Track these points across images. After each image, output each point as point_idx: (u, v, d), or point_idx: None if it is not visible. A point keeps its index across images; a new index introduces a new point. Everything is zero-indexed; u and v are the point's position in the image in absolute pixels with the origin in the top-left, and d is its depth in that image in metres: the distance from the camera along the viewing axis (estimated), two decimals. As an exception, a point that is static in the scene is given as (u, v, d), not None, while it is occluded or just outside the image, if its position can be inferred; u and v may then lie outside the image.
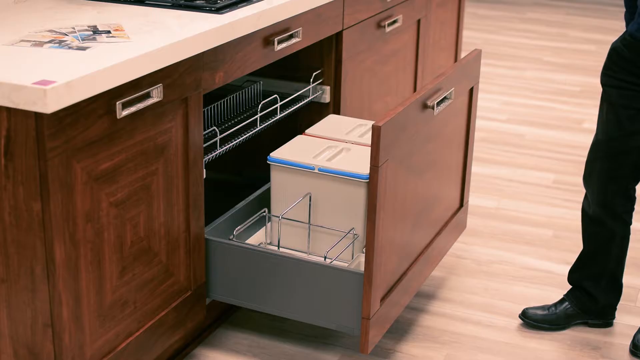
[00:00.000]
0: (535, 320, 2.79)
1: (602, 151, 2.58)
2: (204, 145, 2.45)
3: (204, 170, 2.38)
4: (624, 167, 2.58)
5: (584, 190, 3.79)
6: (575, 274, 2.80)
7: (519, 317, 2.82)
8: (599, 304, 2.78)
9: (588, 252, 2.75)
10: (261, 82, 2.90)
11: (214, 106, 2.67)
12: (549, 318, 2.79)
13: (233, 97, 2.77)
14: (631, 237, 3.41)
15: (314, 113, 3.02)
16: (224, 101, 2.72)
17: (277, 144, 2.99)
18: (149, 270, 2.22)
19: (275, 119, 2.77)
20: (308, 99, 2.93)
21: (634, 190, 2.65)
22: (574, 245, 3.33)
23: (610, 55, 2.54)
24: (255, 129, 2.68)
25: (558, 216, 3.53)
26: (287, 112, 2.82)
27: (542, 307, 2.81)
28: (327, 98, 2.97)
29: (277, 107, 2.79)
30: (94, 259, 2.02)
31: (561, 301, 2.82)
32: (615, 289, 2.78)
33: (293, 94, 2.91)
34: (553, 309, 2.80)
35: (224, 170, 3.16)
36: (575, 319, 2.81)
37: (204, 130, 2.57)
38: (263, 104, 2.81)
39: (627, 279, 3.11)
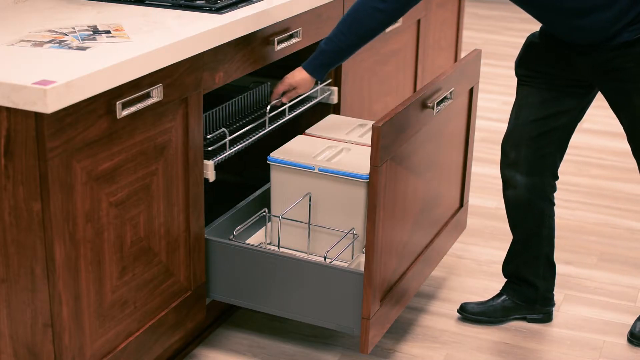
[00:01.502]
0: (472, 314, 2.81)
1: (526, 134, 2.60)
2: (214, 147, 2.45)
3: (214, 172, 2.38)
4: (551, 145, 2.62)
5: (583, 191, 3.80)
6: (510, 265, 2.82)
7: (457, 311, 2.84)
8: (539, 291, 2.80)
9: (520, 240, 2.76)
10: (269, 84, 2.90)
11: (221, 107, 2.67)
12: (487, 310, 2.81)
13: (240, 98, 2.77)
14: (631, 236, 3.42)
15: (314, 113, 3.02)
16: (231, 102, 2.72)
17: (277, 144, 2.99)
18: (149, 270, 2.22)
19: (284, 120, 2.76)
20: (316, 100, 2.92)
21: (558, 169, 2.70)
22: (574, 245, 3.33)
23: (527, 47, 2.59)
24: (264, 130, 2.68)
25: (557, 216, 3.53)
26: (295, 112, 2.82)
27: (480, 302, 2.84)
28: (335, 99, 2.96)
29: (285, 109, 2.78)
30: (94, 258, 2.02)
31: (499, 295, 2.84)
32: (551, 271, 2.80)
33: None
34: (491, 302, 2.82)
35: (224, 170, 3.16)
36: (514, 313, 2.82)
37: (213, 131, 2.57)
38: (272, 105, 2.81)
39: (627, 279, 3.11)
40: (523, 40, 6.28)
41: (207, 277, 2.48)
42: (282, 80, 2.54)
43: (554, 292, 2.86)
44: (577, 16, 2.35)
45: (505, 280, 2.89)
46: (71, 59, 1.95)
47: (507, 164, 2.67)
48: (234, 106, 2.73)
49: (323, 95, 2.94)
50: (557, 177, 2.69)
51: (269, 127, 2.70)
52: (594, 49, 2.42)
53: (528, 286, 2.79)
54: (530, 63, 2.58)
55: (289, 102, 2.80)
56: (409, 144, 2.37)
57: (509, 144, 2.65)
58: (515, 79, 5.31)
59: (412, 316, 2.85)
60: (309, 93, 2.89)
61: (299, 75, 2.53)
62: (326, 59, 2.49)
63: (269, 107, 2.70)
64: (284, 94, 2.60)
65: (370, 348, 2.35)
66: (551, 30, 2.48)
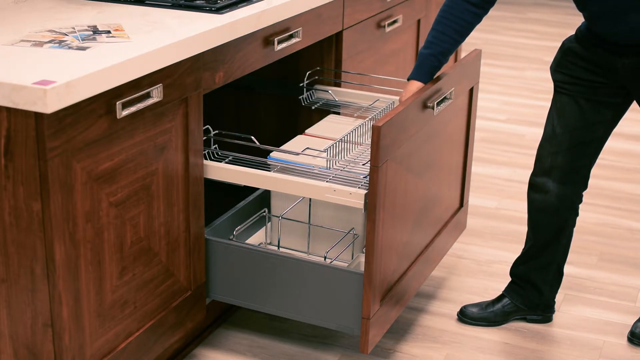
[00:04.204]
0: (473, 319, 2.81)
1: (564, 143, 2.59)
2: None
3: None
4: (587, 156, 2.61)
5: (584, 190, 3.80)
6: (521, 268, 2.81)
7: (457, 314, 2.84)
8: (544, 297, 2.80)
9: (537, 245, 2.75)
10: (393, 102, 2.88)
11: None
12: (488, 317, 2.81)
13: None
14: (631, 236, 3.42)
15: (314, 113, 3.02)
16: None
17: (277, 144, 2.99)
18: (149, 270, 2.22)
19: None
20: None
21: (589, 179, 2.69)
22: (574, 245, 3.33)
23: (564, 53, 2.57)
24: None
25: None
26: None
27: (479, 305, 2.83)
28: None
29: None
30: (94, 259, 2.02)
31: (499, 298, 2.84)
32: (559, 280, 2.81)
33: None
34: (490, 307, 2.82)
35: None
36: (514, 315, 2.83)
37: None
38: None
39: (627, 279, 3.11)
40: (522, 40, 6.33)
41: (207, 277, 2.48)
42: (401, 101, 2.50)
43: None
44: (632, 8, 2.31)
45: (509, 281, 2.88)
46: (71, 59, 1.95)
47: (542, 170, 2.65)
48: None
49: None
50: (586, 187, 2.69)
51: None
52: (635, 50, 2.39)
53: (534, 291, 2.79)
54: (568, 69, 2.55)
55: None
56: (409, 144, 2.37)
57: (545, 152, 2.63)
58: (516, 80, 5.33)
59: (412, 316, 2.85)
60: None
61: (414, 87, 2.50)
62: (434, 62, 2.49)
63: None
64: None
65: (370, 348, 2.35)
66: (596, 25, 2.42)
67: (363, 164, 2.46)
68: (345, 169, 2.44)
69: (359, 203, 2.28)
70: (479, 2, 2.45)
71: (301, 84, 2.93)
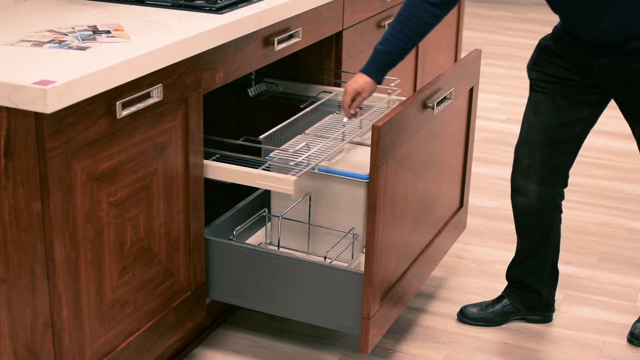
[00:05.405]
0: (473, 319, 2.81)
1: (540, 142, 2.58)
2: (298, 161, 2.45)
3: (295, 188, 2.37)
4: (565, 154, 2.60)
5: (583, 191, 3.80)
6: (514, 271, 2.81)
7: (457, 315, 2.84)
8: (543, 298, 2.80)
9: (526, 247, 2.75)
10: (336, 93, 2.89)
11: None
12: (487, 317, 2.81)
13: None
14: (631, 236, 3.42)
15: (314, 113, 3.01)
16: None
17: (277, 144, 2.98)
18: (149, 270, 2.22)
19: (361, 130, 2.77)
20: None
21: (568, 177, 2.69)
22: (574, 245, 3.33)
23: (540, 51, 2.56)
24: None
25: (558, 216, 3.54)
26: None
27: (479, 306, 2.83)
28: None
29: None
30: (94, 259, 2.02)
31: (499, 299, 2.84)
32: (555, 278, 2.80)
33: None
34: (490, 307, 2.82)
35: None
36: (514, 315, 2.83)
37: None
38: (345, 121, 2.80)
39: (627, 279, 3.11)
40: (522, 40, 6.33)
41: (207, 277, 2.48)
42: (345, 90, 2.48)
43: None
44: (606, 9, 2.30)
45: (507, 283, 2.88)
46: (71, 59, 1.95)
47: (520, 170, 2.64)
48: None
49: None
50: (567, 185, 2.68)
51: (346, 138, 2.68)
52: (611, 50, 2.39)
53: (532, 293, 2.79)
54: (544, 67, 2.54)
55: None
56: (409, 144, 2.37)
57: (522, 151, 2.62)
58: (516, 80, 5.33)
59: (412, 316, 2.85)
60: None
61: (361, 80, 2.46)
62: (387, 60, 2.46)
63: (345, 120, 2.70)
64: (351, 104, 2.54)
65: (370, 348, 2.35)
66: (572, 27, 2.42)
67: (294, 151, 2.46)
68: (281, 157, 2.46)
69: (289, 189, 2.33)
70: (439, 2, 2.40)
71: (250, 77, 2.95)
